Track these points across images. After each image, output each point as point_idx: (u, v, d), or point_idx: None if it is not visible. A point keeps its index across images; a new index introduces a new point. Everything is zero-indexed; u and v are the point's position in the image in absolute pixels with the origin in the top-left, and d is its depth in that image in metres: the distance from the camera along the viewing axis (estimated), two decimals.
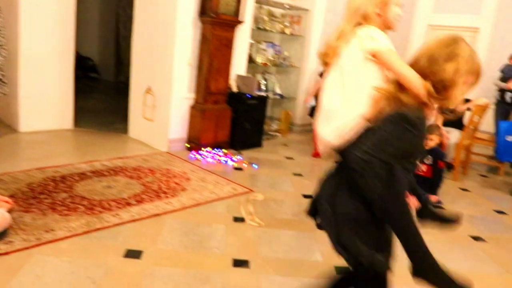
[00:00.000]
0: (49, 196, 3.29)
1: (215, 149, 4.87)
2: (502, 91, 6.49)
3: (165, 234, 2.91)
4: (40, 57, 4.98)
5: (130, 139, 5.19)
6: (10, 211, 2.69)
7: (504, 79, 6.50)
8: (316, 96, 5.29)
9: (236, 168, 4.53)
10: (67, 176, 3.76)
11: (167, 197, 3.52)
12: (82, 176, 3.80)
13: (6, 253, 2.45)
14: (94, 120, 5.85)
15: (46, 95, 5.07)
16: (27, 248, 2.53)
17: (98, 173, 3.90)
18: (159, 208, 3.29)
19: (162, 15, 4.66)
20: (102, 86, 9.65)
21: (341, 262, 1.75)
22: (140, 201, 3.37)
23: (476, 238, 3.45)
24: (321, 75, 5.26)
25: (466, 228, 3.63)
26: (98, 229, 2.86)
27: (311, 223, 3.32)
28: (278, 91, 6.38)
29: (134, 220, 3.04)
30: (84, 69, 9.65)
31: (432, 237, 3.33)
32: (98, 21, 10.06)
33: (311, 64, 6.52)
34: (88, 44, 9.80)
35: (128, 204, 3.30)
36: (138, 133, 5.17)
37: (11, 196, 3.17)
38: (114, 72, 10.11)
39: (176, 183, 3.85)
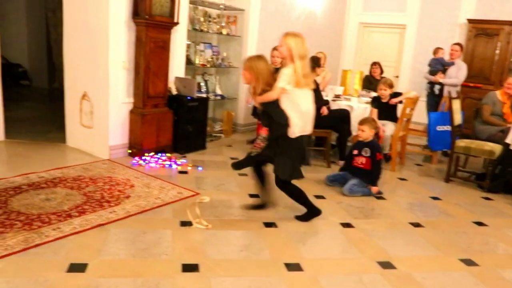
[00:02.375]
0: None
1: (158, 154, 4.80)
2: (431, 84, 6.94)
3: (110, 244, 2.84)
4: None
5: (68, 148, 4.98)
6: None
7: (432, 72, 6.95)
8: None
9: (181, 172, 4.49)
10: (1, 191, 3.54)
11: (110, 206, 3.42)
12: (17, 190, 3.60)
13: None
14: (27, 130, 5.55)
15: None
16: None
17: (35, 186, 3.71)
18: (103, 217, 3.19)
19: (93, 17, 4.50)
20: (35, 94, 9.14)
21: None
22: (82, 212, 3.25)
23: (415, 225, 3.66)
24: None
25: (406, 216, 3.85)
26: (38, 245, 2.73)
27: (258, 221, 3.39)
28: (219, 92, 6.38)
29: (76, 233, 2.93)
30: (13, 77, 9.11)
31: (375, 226, 3.53)
32: (25, 24, 9.50)
33: None
34: (16, 50, 9.25)
35: (69, 216, 3.17)
36: (76, 142, 4.97)
37: None
38: (48, 79, 9.63)
39: (120, 191, 3.76)
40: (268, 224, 3.40)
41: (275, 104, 3.15)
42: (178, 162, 4.68)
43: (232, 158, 5.17)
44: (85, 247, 2.76)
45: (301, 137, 3.24)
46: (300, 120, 3.19)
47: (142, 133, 4.69)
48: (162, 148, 4.91)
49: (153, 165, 4.56)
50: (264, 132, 3.30)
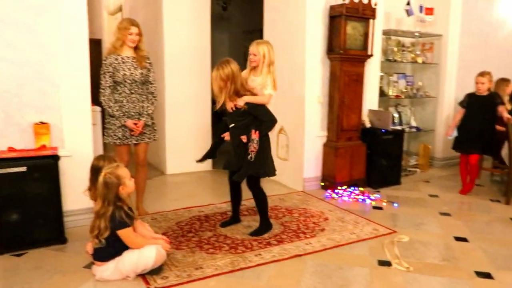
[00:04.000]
0: (196, 234, 3.48)
1: (351, 187, 4.72)
2: None
3: (308, 276, 2.83)
4: (182, 105, 5.47)
5: (265, 179, 5.27)
6: (166, 248, 2.87)
7: None
8: (458, 127, 4.85)
9: (375, 207, 4.30)
10: (210, 215, 3.95)
11: (306, 237, 3.46)
12: (224, 215, 3.95)
13: None
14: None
15: (187, 139, 5.50)
16: (180, 284, 2.67)
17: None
18: (299, 248, 3.24)
19: (291, 55, 4.79)
20: None
21: None
22: (280, 241, 3.36)
23: None
24: (461, 104, 4.83)
25: None
26: (242, 268, 2.90)
27: (467, 269, 2.96)
28: (413, 123, 6.02)
29: (276, 261, 3.03)
30: (217, 113, 10.29)
31: None
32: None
33: (449, 93, 6.06)
34: None
35: (269, 244, 3.31)
36: None
37: (164, 234, 3.43)
38: None
39: (315, 223, 3.78)
40: (481, 274, 2.93)
41: (263, 106, 3.39)
42: (372, 197, 4.51)
43: (431, 195, 4.75)
44: (284, 276, 2.82)
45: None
46: None
47: (335, 166, 4.69)
48: (354, 182, 4.81)
49: (345, 198, 4.49)
50: (256, 135, 3.29)
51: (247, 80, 3.50)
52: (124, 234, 2.64)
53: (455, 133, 4.86)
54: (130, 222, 2.65)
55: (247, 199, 4.00)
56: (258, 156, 3.32)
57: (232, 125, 3.42)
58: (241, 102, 3.28)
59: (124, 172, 2.69)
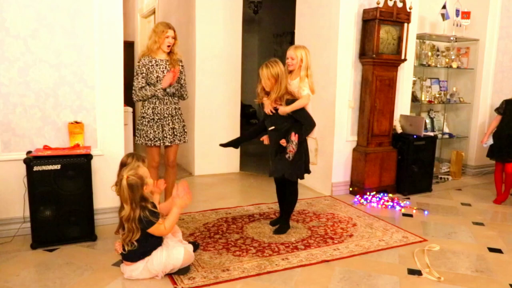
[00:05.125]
0: (222, 236, 3.49)
1: (380, 194, 4.64)
2: None
3: (336, 283, 2.79)
4: (211, 108, 5.52)
5: None
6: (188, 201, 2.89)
7: None
8: (494, 134, 4.70)
9: (405, 214, 4.21)
10: (238, 217, 3.96)
11: (334, 242, 3.42)
12: (251, 218, 3.95)
13: None
14: (256, 164, 6.15)
15: (216, 141, 5.50)
16: (207, 285, 2.68)
17: (265, 216, 4.02)
18: (327, 254, 3.20)
19: (323, 59, 4.74)
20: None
21: None
22: (307, 246, 3.33)
23: None
24: (498, 110, 4.67)
25: None
26: (269, 272, 2.89)
27: (503, 282, 2.85)
28: (446, 130, 5.87)
29: (303, 265, 3.00)
30: (246, 116, 10.35)
31: None
32: (256, 69, 10.76)
33: (485, 99, 5.88)
34: (248, 92, 10.56)
35: (296, 248, 3.29)
36: None
37: (191, 235, 3.46)
38: None
39: (343, 229, 3.73)
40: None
41: (303, 109, 3.40)
42: (402, 204, 4.42)
43: (463, 204, 4.61)
44: (312, 282, 2.78)
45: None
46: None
47: (365, 172, 4.62)
48: (384, 188, 4.73)
49: (374, 205, 4.42)
50: (295, 138, 3.33)
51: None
52: (154, 231, 2.68)
53: (490, 141, 4.71)
54: (156, 218, 2.67)
55: (274, 202, 3.98)
56: (295, 160, 3.39)
57: (272, 127, 3.46)
58: (284, 111, 3.37)
59: (145, 171, 2.70)
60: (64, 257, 3.04)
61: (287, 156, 3.34)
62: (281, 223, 3.67)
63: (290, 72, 3.56)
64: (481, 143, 4.92)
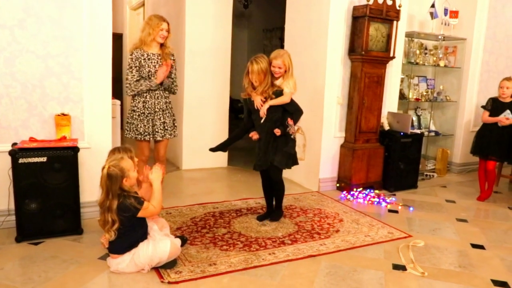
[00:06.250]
0: (210, 230, 3.49)
1: (366, 190, 4.68)
2: None
3: (322, 277, 2.82)
4: (200, 102, 5.50)
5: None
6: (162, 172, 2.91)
7: None
8: (477, 132, 4.76)
9: (391, 211, 4.26)
10: (225, 212, 3.96)
11: (320, 238, 3.45)
12: (238, 212, 3.96)
13: (176, 282, 2.63)
14: (244, 158, 6.15)
15: (204, 136, 5.52)
16: (193, 279, 2.68)
17: (252, 210, 4.03)
18: (313, 249, 3.23)
19: (312, 55, 4.76)
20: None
21: None
22: (294, 241, 3.35)
23: None
24: (485, 107, 4.71)
25: None
26: (256, 266, 2.90)
27: (484, 277, 2.91)
28: (432, 127, 5.94)
29: (289, 260, 3.02)
30: (234, 111, 10.33)
31: None
32: (245, 64, 10.76)
33: (471, 98, 5.96)
34: (236, 86, 10.53)
35: (283, 243, 3.31)
36: (288, 172, 5.23)
37: (178, 229, 3.46)
38: None
39: (329, 224, 3.76)
40: (498, 283, 2.88)
41: (292, 100, 3.62)
42: (388, 200, 4.47)
43: (448, 201, 4.68)
44: (298, 276, 2.81)
45: None
46: None
47: (352, 168, 4.66)
48: (370, 184, 4.78)
49: (361, 201, 4.46)
50: (292, 122, 3.58)
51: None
52: (145, 213, 2.69)
53: (507, 112, 4.53)
54: (141, 203, 2.66)
55: (261, 197, 4.01)
56: (287, 148, 3.62)
57: (263, 119, 3.54)
58: (269, 105, 3.50)
59: (128, 164, 2.65)
60: (49, 251, 3.01)
61: (292, 137, 3.61)
62: (275, 210, 3.83)
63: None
64: (506, 121, 4.57)
